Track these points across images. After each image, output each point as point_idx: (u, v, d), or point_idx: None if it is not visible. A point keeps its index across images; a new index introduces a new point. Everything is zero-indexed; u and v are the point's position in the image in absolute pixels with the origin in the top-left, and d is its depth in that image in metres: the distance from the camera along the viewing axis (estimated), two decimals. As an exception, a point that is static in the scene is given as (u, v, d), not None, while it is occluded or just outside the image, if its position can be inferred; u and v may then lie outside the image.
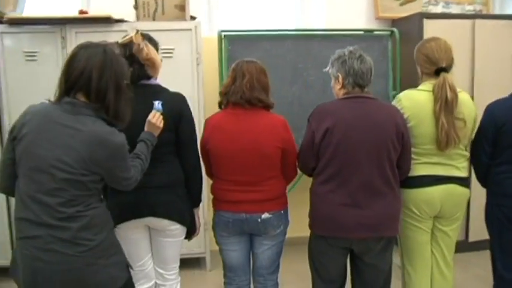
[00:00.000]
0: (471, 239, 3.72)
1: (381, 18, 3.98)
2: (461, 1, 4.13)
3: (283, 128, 2.17)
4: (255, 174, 2.15)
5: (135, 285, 2.24)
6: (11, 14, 3.24)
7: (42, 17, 3.22)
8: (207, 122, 2.23)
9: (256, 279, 2.33)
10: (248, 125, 2.12)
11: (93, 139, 1.59)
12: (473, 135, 2.34)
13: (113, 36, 3.32)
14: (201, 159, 2.25)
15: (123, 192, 2.07)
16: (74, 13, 3.29)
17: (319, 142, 2.09)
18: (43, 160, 1.58)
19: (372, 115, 2.06)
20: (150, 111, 2.04)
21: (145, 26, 3.30)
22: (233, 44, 3.48)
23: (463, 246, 3.48)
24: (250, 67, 2.15)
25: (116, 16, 3.26)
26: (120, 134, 1.67)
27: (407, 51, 3.17)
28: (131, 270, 2.22)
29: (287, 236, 2.32)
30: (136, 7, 3.41)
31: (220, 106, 2.23)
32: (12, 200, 1.72)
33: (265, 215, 2.17)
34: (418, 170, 2.23)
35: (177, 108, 2.12)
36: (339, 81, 2.15)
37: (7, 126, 3.18)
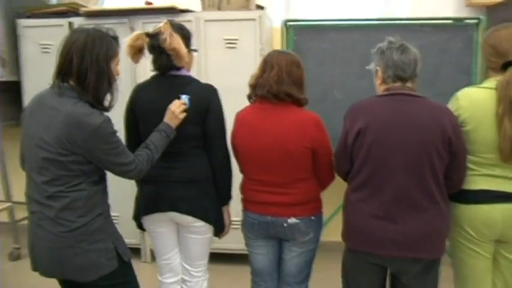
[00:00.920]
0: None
1: (472, 5, 3.48)
2: None
3: (314, 126, 1.96)
4: (281, 175, 1.99)
5: (162, 278, 2.25)
6: (88, 7, 3.43)
7: (113, 9, 3.38)
8: (236, 116, 2.11)
9: (282, 287, 2.17)
10: (274, 122, 1.96)
11: (70, 120, 1.61)
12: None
13: (179, 26, 3.38)
14: (232, 155, 2.14)
15: (146, 184, 2.10)
16: (140, 5, 3.38)
17: (352, 144, 1.85)
18: (31, 140, 1.67)
19: (412, 115, 1.77)
20: None
21: (210, 15, 3.30)
22: (299, 34, 3.31)
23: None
24: (281, 58, 1.98)
25: (181, 6, 3.29)
26: (101, 116, 1.65)
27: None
28: (160, 262, 2.23)
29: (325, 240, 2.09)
30: (201, -3, 3.39)
31: (249, 99, 2.09)
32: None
33: (291, 220, 2.00)
34: (476, 183, 1.87)
35: (204, 101, 2.03)
36: (378, 75, 1.89)
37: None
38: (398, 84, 1.85)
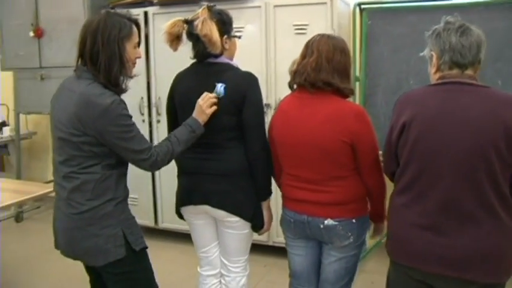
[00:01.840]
0: None
1: None
2: None
3: (355, 119, 1.74)
4: (317, 172, 1.81)
5: (200, 270, 2.21)
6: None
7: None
8: (278, 104, 1.96)
9: (320, 294, 1.99)
10: (310, 113, 1.78)
11: (81, 100, 1.62)
12: None
13: (248, 12, 3.30)
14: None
15: (182, 176, 2.09)
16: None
17: (396, 140, 1.61)
18: (53, 121, 1.73)
19: (467, 108, 1.47)
20: (210, 91, 1.90)
21: (280, 0, 3.15)
22: (373, 17, 3.03)
23: None
24: (323, 43, 1.79)
25: (250, -8, 3.19)
26: (112, 96, 1.63)
27: None
28: (199, 255, 2.19)
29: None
30: (272, -18, 3.25)
31: (290, 87, 1.93)
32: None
33: (328, 221, 1.81)
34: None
35: (240, 90, 1.91)
36: (433, 62, 1.61)
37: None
38: (455, 71, 1.55)
